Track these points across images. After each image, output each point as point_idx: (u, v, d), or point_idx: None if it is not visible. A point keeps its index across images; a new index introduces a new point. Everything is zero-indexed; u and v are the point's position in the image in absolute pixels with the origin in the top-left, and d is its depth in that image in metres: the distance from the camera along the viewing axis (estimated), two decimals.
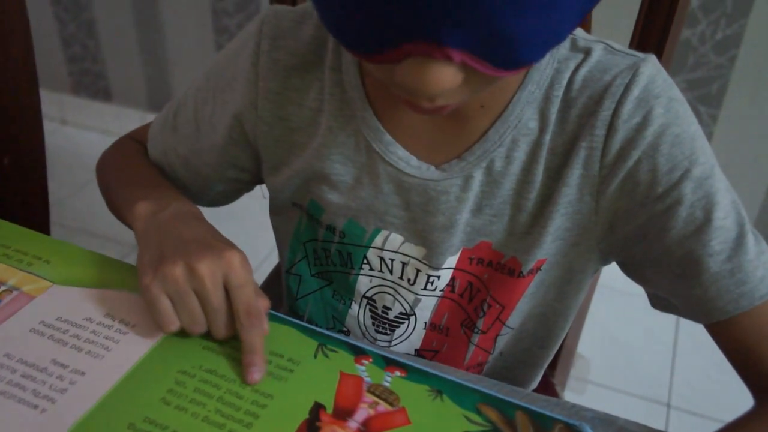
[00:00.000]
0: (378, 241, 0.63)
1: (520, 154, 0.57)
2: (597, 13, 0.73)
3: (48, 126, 0.93)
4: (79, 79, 2.19)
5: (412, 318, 0.66)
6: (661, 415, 1.36)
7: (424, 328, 0.67)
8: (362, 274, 0.65)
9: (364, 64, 0.48)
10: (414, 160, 0.59)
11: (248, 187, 0.74)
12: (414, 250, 0.62)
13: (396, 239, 0.62)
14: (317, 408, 0.51)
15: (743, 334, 0.56)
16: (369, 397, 0.52)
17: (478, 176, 0.58)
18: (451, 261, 0.62)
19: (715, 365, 1.46)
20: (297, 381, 0.53)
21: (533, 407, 0.52)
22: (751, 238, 0.55)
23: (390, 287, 0.65)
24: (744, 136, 1.55)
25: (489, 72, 0.43)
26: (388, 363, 0.55)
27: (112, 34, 2.04)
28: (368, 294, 0.66)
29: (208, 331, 0.55)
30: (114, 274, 0.61)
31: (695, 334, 1.53)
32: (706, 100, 1.54)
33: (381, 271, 0.64)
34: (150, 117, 2.08)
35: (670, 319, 1.58)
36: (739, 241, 0.54)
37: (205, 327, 0.54)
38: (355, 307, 0.68)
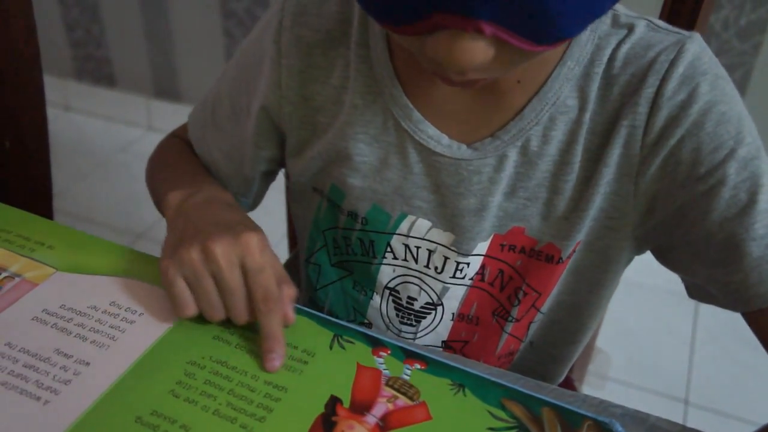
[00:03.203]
0: (403, 227, 0.61)
1: (558, 134, 0.55)
2: None
3: (51, 112, 0.91)
4: (82, 65, 2.17)
5: (439, 308, 0.64)
6: (679, 412, 1.34)
7: (452, 319, 0.64)
8: (385, 264, 0.63)
9: (394, 36, 0.46)
10: (445, 139, 0.57)
11: (273, 177, 0.73)
12: (442, 236, 0.60)
13: (423, 225, 0.60)
14: (333, 402, 0.48)
15: None
16: (388, 391, 0.50)
17: (513, 156, 0.56)
18: (482, 247, 0.60)
19: (733, 361, 1.44)
20: (312, 373, 0.51)
21: (561, 403, 0.49)
22: None
23: (415, 276, 0.63)
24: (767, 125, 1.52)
25: (523, 46, 0.41)
26: (408, 355, 0.52)
27: (117, 18, 2.02)
28: (390, 285, 0.64)
29: (226, 320, 0.53)
30: (120, 261, 0.59)
31: (713, 329, 1.51)
32: None
33: (405, 259, 0.62)
34: (155, 104, 2.10)
35: (687, 314, 1.55)
36: None
37: (223, 312, 0.52)
38: (377, 298, 0.65)
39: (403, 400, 0.49)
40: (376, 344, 0.53)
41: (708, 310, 1.54)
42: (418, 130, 0.57)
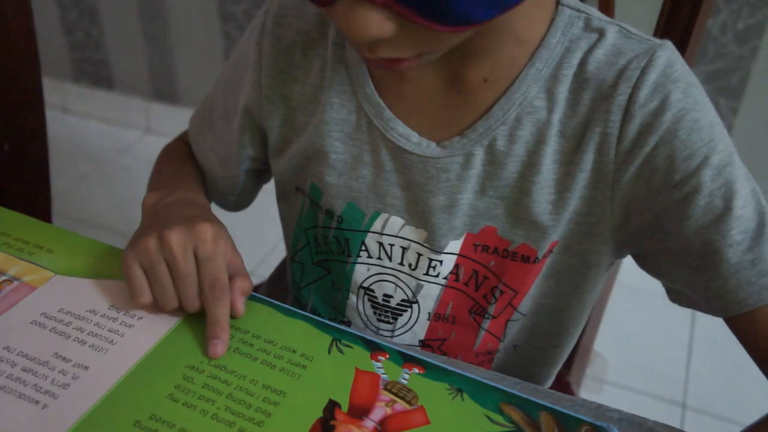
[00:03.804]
0: (377, 225, 0.62)
1: (525, 134, 0.56)
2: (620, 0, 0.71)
3: (49, 114, 0.92)
4: (81, 67, 2.17)
5: (415, 306, 0.64)
6: (676, 416, 1.34)
7: (428, 319, 0.65)
8: (359, 263, 0.64)
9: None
10: (415, 137, 0.58)
11: (264, 178, 0.75)
12: (414, 233, 0.61)
13: (396, 222, 0.61)
14: (332, 406, 0.49)
15: (765, 327, 0.53)
16: (386, 395, 0.50)
17: (480, 154, 0.57)
18: (455, 246, 0.60)
19: (731, 365, 1.44)
20: (310, 378, 0.51)
21: (558, 407, 0.50)
22: None
23: (390, 275, 0.64)
24: (765, 130, 1.52)
25: (422, 23, 0.42)
26: (406, 359, 0.53)
27: (115, 20, 2.02)
28: (365, 284, 0.65)
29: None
30: (119, 265, 0.59)
31: (711, 332, 1.51)
32: (726, 92, 1.51)
33: (379, 257, 0.63)
34: (153, 106, 2.10)
35: (685, 317, 1.56)
36: (760, 230, 0.53)
37: (176, 299, 0.54)
38: (353, 297, 0.66)
39: (401, 405, 0.49)
40: (374, 348, 0.53)
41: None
42: (388, 128, 0.58)
